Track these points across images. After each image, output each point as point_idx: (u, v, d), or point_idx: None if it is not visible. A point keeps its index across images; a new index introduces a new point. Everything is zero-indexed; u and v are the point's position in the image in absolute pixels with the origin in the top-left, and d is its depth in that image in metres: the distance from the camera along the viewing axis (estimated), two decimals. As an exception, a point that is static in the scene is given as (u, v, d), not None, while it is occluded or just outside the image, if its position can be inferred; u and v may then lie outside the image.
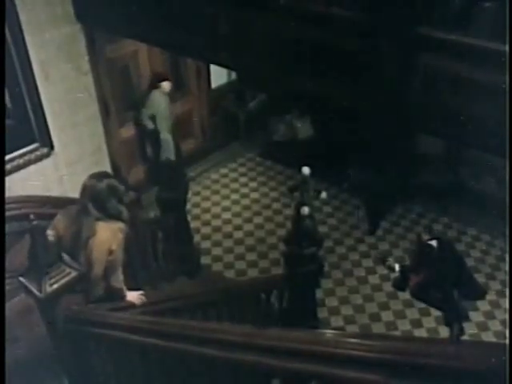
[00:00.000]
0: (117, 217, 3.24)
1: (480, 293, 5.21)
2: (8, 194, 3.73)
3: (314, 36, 3.46)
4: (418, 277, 5.11)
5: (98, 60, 5.58)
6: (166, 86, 6.13)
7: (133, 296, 3.42)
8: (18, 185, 4.98)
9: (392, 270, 5.64)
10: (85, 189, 3.27)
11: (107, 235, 3.17)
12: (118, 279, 3.29)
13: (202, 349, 2.30)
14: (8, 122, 4.81)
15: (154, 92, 6.14)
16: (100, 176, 3.36)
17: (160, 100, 6.15)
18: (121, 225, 3.25)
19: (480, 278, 5.46)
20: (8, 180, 4.71)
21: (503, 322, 5.09)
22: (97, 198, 3.19)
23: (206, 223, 6.50)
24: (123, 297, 3.38)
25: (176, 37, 4.29)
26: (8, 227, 3.43)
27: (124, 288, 3.37)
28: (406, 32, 3.05)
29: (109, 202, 3.21)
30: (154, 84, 6.14)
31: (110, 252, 3.17)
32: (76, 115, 5.49)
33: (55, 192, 5.39)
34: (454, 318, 4.64)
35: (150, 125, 6.19)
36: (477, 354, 1.74)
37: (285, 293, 4.38)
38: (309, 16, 3.43)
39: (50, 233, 3.23)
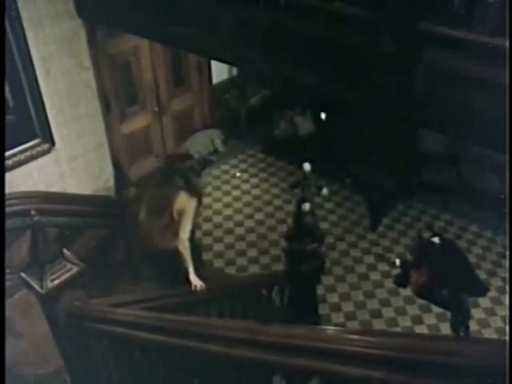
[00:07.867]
0: (195, 191, 4.22)
1: (482, 290, 5.20)
2: (9, 189, 3.73)
3: (317, 32, 3.45)
4: (419, 274, 5.09)
5: (99, 55, 5.57)
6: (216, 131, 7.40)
7: (195, 279, 4.01)
8: (20, 180, 4.99)
9: (393, 264, 5.63)
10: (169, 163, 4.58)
11: (186, 199, 4.15)
12: (186, 231, 4.09)
13: (203, 345, 2.30)
14: (9, 117, 4.80)
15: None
16: (182, 157, 4.71)
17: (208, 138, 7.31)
18: (196, 198, 4.18)
19: (481, 275, 5.46)
20: (9, 176, 4.72)
21: (504, 319, 5.09)
22: (182, 174, 4.21)
23: (207, 219, 6.50)
24: (187, 274, 4.00)
25: (177, 32, 4.28)
26: (9, 223, 3.44)
27: (187, 243, 4.07)
28: (409, 28, 3.03)
29: (192, 178, 4.25)
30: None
31: (185, 210, 4.10)
32: (77, 111, 5.48)
33: (56, 188, 5.39)
34: (461, 320, 4.62)
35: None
36: (478, 350, 1.74)
37: (286, 289, 4.37)
38: (311, 12, 3.42)
39: (131, 189, 4.65)
